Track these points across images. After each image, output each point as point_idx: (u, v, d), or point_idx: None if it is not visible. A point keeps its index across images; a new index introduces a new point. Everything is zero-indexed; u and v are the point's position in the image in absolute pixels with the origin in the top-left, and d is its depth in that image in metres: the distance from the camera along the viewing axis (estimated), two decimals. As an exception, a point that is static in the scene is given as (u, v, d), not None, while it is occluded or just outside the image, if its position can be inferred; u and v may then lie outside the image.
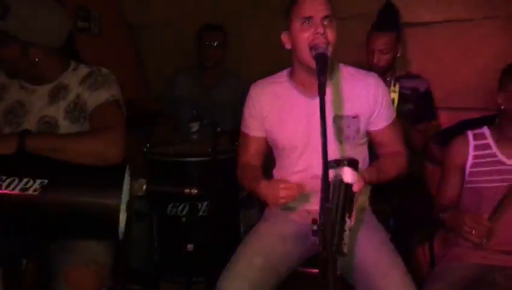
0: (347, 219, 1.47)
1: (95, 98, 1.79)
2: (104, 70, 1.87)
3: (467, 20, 3.01)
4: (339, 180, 1.50)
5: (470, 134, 2.05)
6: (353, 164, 1.55)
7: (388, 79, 2.56)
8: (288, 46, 1.85)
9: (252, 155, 2.02)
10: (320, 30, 1.73)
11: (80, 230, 1.65)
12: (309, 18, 1.75)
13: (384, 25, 2.75)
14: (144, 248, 2.71)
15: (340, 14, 2.80)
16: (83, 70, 1.85)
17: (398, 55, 2.74)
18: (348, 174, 1.52)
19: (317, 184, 1.46)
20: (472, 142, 2.02)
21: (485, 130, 2.04)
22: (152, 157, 2.68)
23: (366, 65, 2.63)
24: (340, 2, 2.92)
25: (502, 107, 1.95)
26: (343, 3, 2.98)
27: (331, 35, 1.75)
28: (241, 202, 2.79)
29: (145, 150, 2.66)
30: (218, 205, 2.57)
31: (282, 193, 1.69)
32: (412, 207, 2.56)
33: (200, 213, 2.54)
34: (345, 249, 1.44)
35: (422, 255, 2.61)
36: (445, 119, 3.15)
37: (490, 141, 2.01)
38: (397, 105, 2.45)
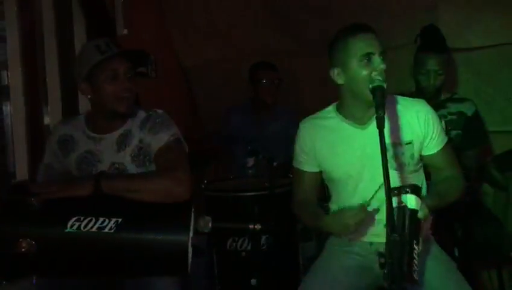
0: (415, 246, 1.47)
1: (158, 140, 1.89)
2: (159, 111, 1.97)
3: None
4: (403, 207, 1.52)
5: None
6: (416, 190, 1.56)
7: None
8: (340, 81, 1.89)
9: (307, 190, 2.05)
10: (383, 66, 1.78)
11: (152, 266, 1.71)
12: (368, 55, 1.80)
13: (434, 46, 2.74)
14: (204, 284, 2.75)
15: (390, 43, 2.87)
16: (141, 114, 1.96)
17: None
18: (412, 201, 1.53)
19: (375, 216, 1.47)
20: None
21: None
22: (210, 193, 2.74)
23: (408, 93, 2.60)
24: (391, 32, 2.99)
25: None
26: (394, 32, 3.03)
27: (385, 69, 1.79)
28: (299, 235, 2.80)
29: (203, 186, 2.72)
30: (277, 238, 2.59)
31: (350, 220, 1.73)
32: (477, 235, 2.48)
33: (261, 247, 2.56)
34: (416, 276, 1.44)
35: (488, 284, 2.52)
36: (504, 142, 3.09)
37: None
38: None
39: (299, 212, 2.04)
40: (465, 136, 2.71)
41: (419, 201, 1.55)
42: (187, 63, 3.95)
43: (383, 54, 1.81)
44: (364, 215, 1.74)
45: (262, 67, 3.25)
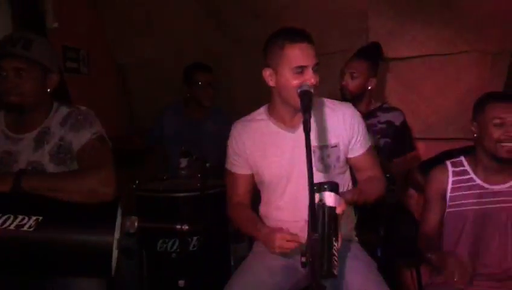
0: (334, 242, 1.52)
1: (79, 138, 1.83)
2: (82, 108, 1.92)
3: (443, 55, 3.14)
4: (322, 204, 1.55)
5: (448, 163, 2.13)
6: (334, 187, 1.59)
7: None
8: (271, 83, 1.92)
9: (241, 194, 2.07)
10: (313, 81, 1.82)
11: (74, 267, 1.66)
12: (302, 67, 1.83)
13: (361, 52, 2.87)
14: (134, 285, 2.71)
15: (322, 49, 2.95)
16: (63, 111, 1.90)
17: (370, 88, 2.82)
18: (330, 198, 1.56)
19: (303, 215, 1.51)
20: (450, 169, 2.10)
21: (462, 158, 2.12)
22: (141, 193, 2.70)
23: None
24: (324, 38, 3.08)
25: (475, 135, 2.04)
26: (327, 39, 3.11)
27: (317, 79, 1.84)
28: (231, 236, 2.82)
29: (134, 186, 2.68)
30: (208, 239, 2.59)
31: (277, 244, 1.78)
32: (398, 236, 2.61)
33: (190, 248, 2.55)
34: (336, 272, 1.49)
35: (410, 283, 2.65)
36: (427, 150, 3.25)
37: (467, 167, 2.09)
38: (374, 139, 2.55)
39: (234, 216, 2.06)
40: (393, 144, 2.84)
41: (337, 197, 1.59)
42: (122, 60, 3.87)
43: (316, 66, 1.85)
44: (293, 246, 1.78)
45: (198, 69, 3.22)
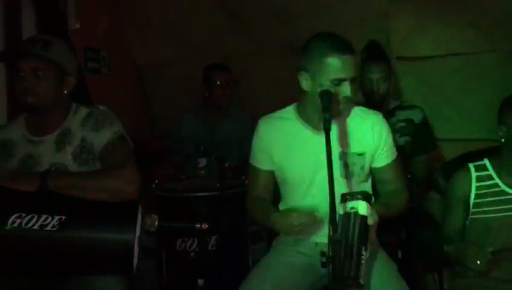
0: (363, 252, 1.51)
1: (100, 138, 1.84)
2: (102, 108, 1.93)
3: (466, 54, 3.10)
4: (354, 213, 1.55)
5: (471, 166, 2.07)
6: (367, 197, 1.61)
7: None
8: (305, 87, 1.89)
9: (261, 188, 2.05)
10: (348, 93, 1.82)
11: (96, 265, 1.68)
12: (340, 80, 1.81)
13: (377, 54, 2.83)
14: (153, 284, 2.72)
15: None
16: (83, 112, 1.91)
17: (391, 88, 2.79)
18: (363, 208, 1.57)
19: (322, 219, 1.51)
20: (474, 174, 2.04)
21: (486, 162, 2.07)
22: (161, 193, 2.71)
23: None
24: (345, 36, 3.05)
25: (502, 140, 1.98)
26: (347, 39, 3.08)
27: (352, 91, 1.84)
28: (250, 236, 2.81)
29: (153, 186, 2.69)
30: (226, 239, 2.59)
31: (295, 221, 1.74)
32: (419, 238, 2.57)
33: (209, 247, 2.55)
34: (362, 281, 1.48)
35: (432, 287, 2.61)
36: (450, 151, 3.20)
37: (492, 172, 2.04)
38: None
39: (251, 208, 2.04)
40: (414, 142, 2.80)
41: (370, 208, 1.59)
42: (141, 61, 3.91)
43: (354, 80, 1.83)
44: (310, 220, 1.76)
45: (217, 69, 3.23)
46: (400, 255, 2.42)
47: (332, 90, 1.76)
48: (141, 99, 4.00)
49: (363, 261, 1.49)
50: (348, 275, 1.47)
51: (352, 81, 1.84)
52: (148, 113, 4.06)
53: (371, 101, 2.73)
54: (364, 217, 1.55)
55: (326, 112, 1.65)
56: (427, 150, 2.85)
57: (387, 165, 1.99)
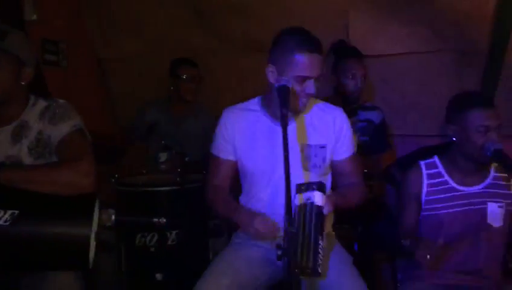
0: (320, 241, 1.55)
1: (58, 131, 1.82)
2: (60, 101, 1.91)
3: (422, 53, 3.18)
4: (310, 203, 1.59)
5: (422, 164, 2.14)
6: (322, 187, 1.64)
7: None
8: (272, 80, 1.91)
9: (222, 178, 2.07)
10: (312, 91, 1.85)
11: (51, 261, 1.66)
12: (304, 77, 1.84)
13: (354, 52, 2.89)
14: (113, 279, 2.70)
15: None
16: (41, 104, 1.88)
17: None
18: (318, 198, 1.61)
19: (282, 210, 1.54)
20: (425, 172, 2.12)
21: (436, 159, 2.15)
22: (120, 187, 2.68)
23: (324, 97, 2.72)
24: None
25: (454, 139, 2.05)
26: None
27: (315, 88, 1.87)
28: (210, 230, 2.82)
29: (113, 180, 2.67)
30: (187, 233, 2.59)
31: (258, 226, 1.79)
32: (376, 231, 2.64)
33: (169, 242, 2.55)
34: (320, 269, 1.52)
35: (386, 277, 2.68)
36: (406, 146, 3.30)
37: (441, 169, 2.11)
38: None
39: (213, 197, 2.04)
40: (371, 142, 2.88)
41: (325, 198, 1.63)
42: (103, 54, 3.84)
43: (319, 78, 1.86)
44: (272, 234, 1.80)
45: (184, 63, 3.22)
46: (356, 248, 2.49)
47: (290, 85, 1.79)
48: (103, 93, 3.94)
49: (320, 251, 1.52)
50: (306, 265, 1.50)
51: (318, 78, 1.86)
52: (111, 107, 4.00)
53: (348, 98, 2.80)
54: (319, 207, 1.59)
55: (284, 107, 1.68)
56: (383, 150, 2.95)
57: (347, 159, 2.05)
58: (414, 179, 2.13)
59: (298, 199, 1.63)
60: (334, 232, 2.14)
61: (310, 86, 1.85)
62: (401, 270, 2.28)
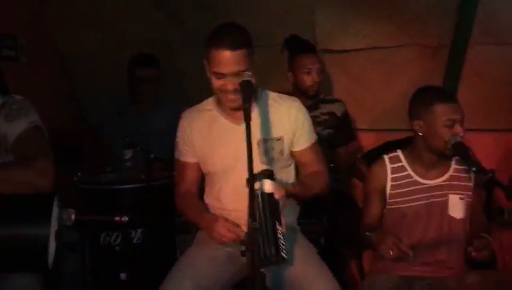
0: (278, 226, 1.54)
1: (14, 128, 1.75)
2: (17, 97, 1.84)
3: (386, 48, 3.22)
4: (260, 193, 1.59)
5: (386, 158, 2.17)
6: (269, 174, 1.65)
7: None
8: (208, 73, 1.91)
9: (189, 182, 2.06)
10: (228, 87, 1.82)
11: (7, 262, 1.60)
12: (220, 74, 1.83)
13: (311, 46, 2.91)
14: (77, 279, 2.65)
15: (268, 42, 2.96)
16: None
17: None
18: (267, 185, 1.61)
19: (244, 206, 1.53)
20: (389, 166, 2.14)
21: (399, 153, 2.17)
22: (84, 186, 2.63)
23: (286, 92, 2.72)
24: (270, 31, 3.09)
25: (420, 133, 2.06)
26: (273, 32, 3.12)
27: (235, 86, 1.82)
28: (178, 228, 2.79)
29: (75, 179, 2.61)
30: (153, 232, 2.56)
31: (221, 231, 1.79)
32: (342, 224, 2.66)
33: (134, 241, 2.51)
34: (284, 254, 1.52)
35: (353, 270, 2.71)
36: (373, 140, 3.34)
37: (404, 163, 2.14)
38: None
39: (182, 206, 2.05)
40: (335, 134, 2.91)
41: (274, 184, 1.63)
42: (66, 51, 3.75)
43: (243, 72, 1.80)
44: (234, 238, 1.80)
45: (141, 64, 3.10)
46: (322, 242, 2.50)
47: (251, 79, 1.78)
48: (67, 90, 3.84)
49: (280, 236, 1.52)
50: (269, 253, 1.49)
51: (237, 74, 1.81)
52: (77, 105, 3.91)
53: (307, 92, 2.81)
54: (270, 194, 1.59)
55: (246, 102, 1.67)
56: (347, 142, 2.98)
57: (307, 148, 2.04)
58: (378, 173, 2.15)
59: None
60: (299, 227, 2.14)
61: (228, 82, 1.83)
62: (367, 262, 2.30)
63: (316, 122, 2.68)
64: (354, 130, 3.10)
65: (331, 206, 2.58)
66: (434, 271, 2.07)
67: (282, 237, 1.54)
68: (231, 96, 1.86)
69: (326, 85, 3.22)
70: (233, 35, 1.83)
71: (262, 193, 1.58)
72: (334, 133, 2.90)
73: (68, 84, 3.84)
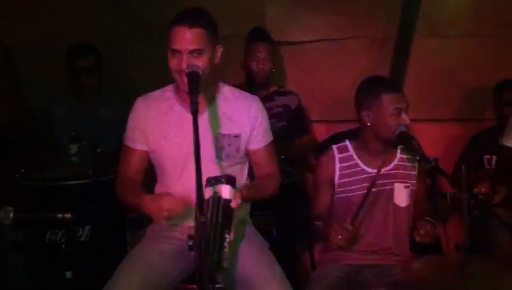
0: (226, 235, 1.53)
1: None
2: None
3: (334, 40, 3.26)
4: (218, 197, 1.57)
5: (334, 148, 2.20)
6: (231, 181, 1.62)
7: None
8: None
9: (133, 169, 1.99)
10: (182, 66, 1.77)
11: None
12: (175, 50, 1.79)
13: (262, 36, 2.91)
14: (22, 278, 2.56)
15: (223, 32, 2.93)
16: None
17: (273, 70, 2.90)
18: (226, 191, 1.59)
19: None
20: (337, 156, 2.17)
21: (347, 143, 2.21)
22: (28, 183, 2.53)
23: (239, 84, 2.71)
24: (220, 22, 3.05)
25: (369, 124, 2.10)
26: (223, 22, 3.08)
27: (201, 63, 1.79)
28: (129, 223, 2.73)
29: (17, 175, 2.50)
30: (101, 228, 2.50)
31: (165, 205, 1.68)
32: (294, 216, 2.69)
33: (82, 239, 2.44)
34: (225, 264, 1.50)
35: (304, 261, 2.75)
36: (324, 132, 3.39)
37: (352, 153, 2.18)
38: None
39: (120, 189, 1.96)
40: (289, 127, 2.92)
41: (233, 191, 1.61)
42: (7, 40, 3.58)
43: (196, 52, 1.79)
44: (179, 207, 1.72)
45: (78, 55, 2.98)
46: (274, 233, 2.51)
47: (198, 71, 1.75)
48: (7, 81, 3.67)
49: (225, 245, 1.51)
50: (211, 259, 1.47)
51: (196, 53, 1.78)
52: (21, 97, 3.74)
53: (254, 81, 2.81)
54: (227, 201, 1.57)
55: (193, 94, 1.64)
56: (301, 134, 3.00)
57: (262, 149, 2.04)
58: (327, 163, 2.18)
59: (208, 193, 1.60)
60: (251, 219, 2.14)
61: (183, 60, 1.78)
62: (318, 253, 2.33)
63: (269, 115, 2.69)
64: (308, 122, 3.12)
65: (284, 198, 2.59)
66: (381, 259, 2.12)
67: (227, 247, 1.53)
68: (186, 79, 1.78)
69: (279, 77, 3.23)
70: (193, 14, 1.82)
71: (219, 198, 1.56)
72: (287, 125, 2.92)
73: (10, 75, 3.68)
